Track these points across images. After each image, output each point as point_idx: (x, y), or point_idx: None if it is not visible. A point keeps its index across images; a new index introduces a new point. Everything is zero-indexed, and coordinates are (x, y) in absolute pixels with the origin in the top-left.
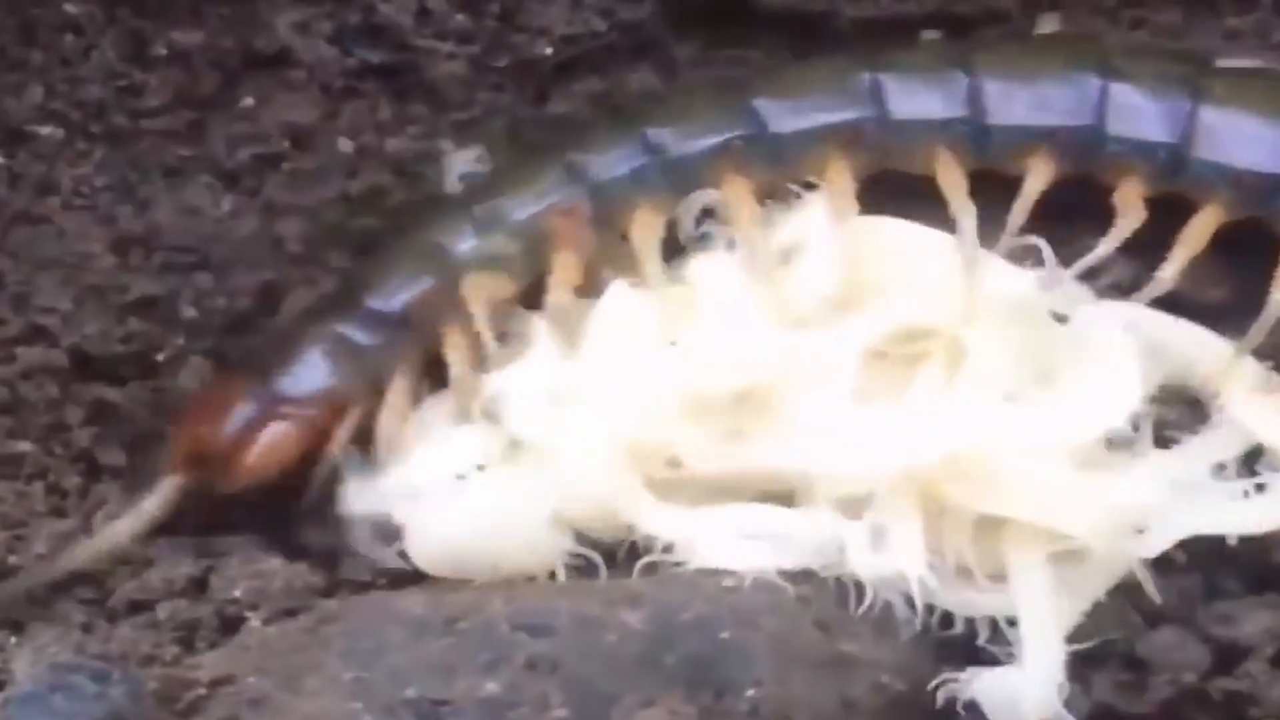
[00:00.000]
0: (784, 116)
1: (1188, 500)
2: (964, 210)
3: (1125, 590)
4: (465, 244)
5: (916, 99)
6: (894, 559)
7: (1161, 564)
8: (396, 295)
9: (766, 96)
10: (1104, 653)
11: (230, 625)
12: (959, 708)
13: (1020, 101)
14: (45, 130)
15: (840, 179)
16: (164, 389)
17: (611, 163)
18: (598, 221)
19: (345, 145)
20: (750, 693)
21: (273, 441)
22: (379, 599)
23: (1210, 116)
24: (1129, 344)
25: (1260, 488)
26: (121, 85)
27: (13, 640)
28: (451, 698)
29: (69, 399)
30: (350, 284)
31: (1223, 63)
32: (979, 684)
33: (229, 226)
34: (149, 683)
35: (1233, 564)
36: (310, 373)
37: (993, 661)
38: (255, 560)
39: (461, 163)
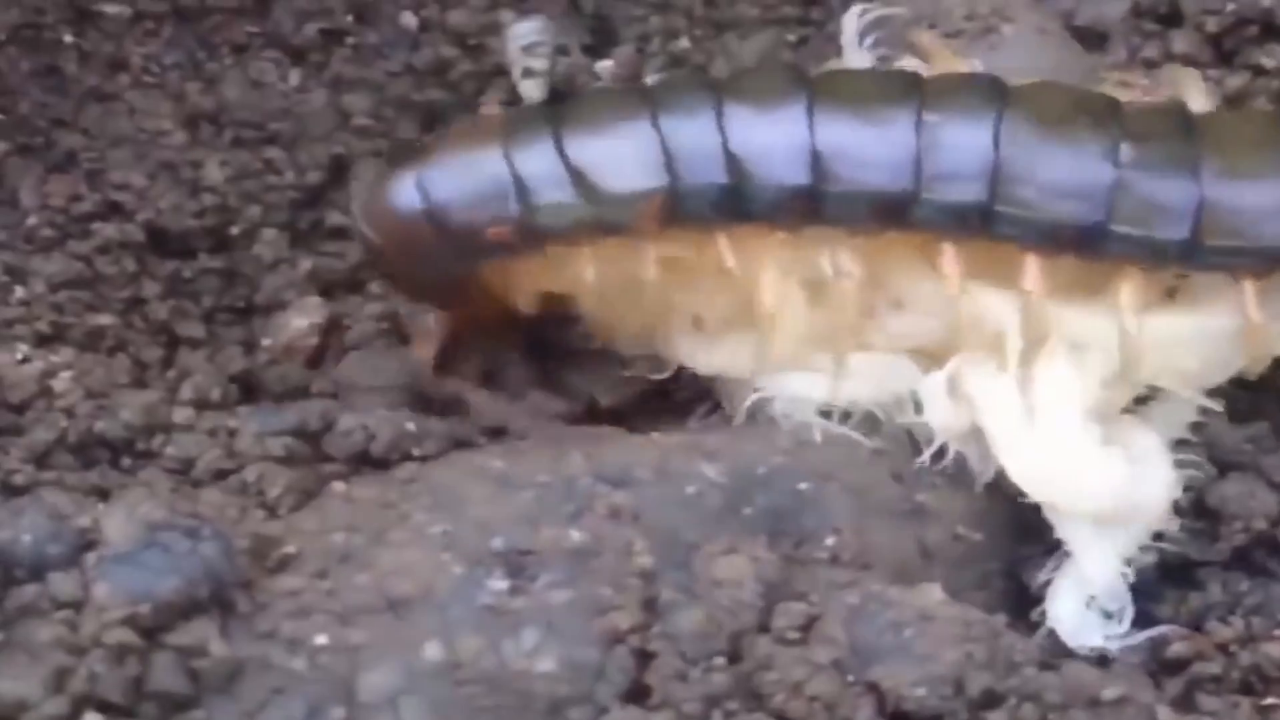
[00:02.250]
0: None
1: None
2: None
3: (1194, 440)
4: None
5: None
6: (969, 412)
7: (1229, 413)
8: None
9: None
10: (1174, 503)
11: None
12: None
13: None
14: (113, 9)
15: None
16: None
17: None
18: None
19: (408, 19)
20: (830, 541)
21: None
22: (458, 458)
23: (1217, 194)
24: None
25: None
26: None
27: (100, 506)
28: (538, 548)
29: (146, 273)
30: None
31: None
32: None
33: (297, 101)
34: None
35: None
36: None
37: None
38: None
39: (523, 34)
